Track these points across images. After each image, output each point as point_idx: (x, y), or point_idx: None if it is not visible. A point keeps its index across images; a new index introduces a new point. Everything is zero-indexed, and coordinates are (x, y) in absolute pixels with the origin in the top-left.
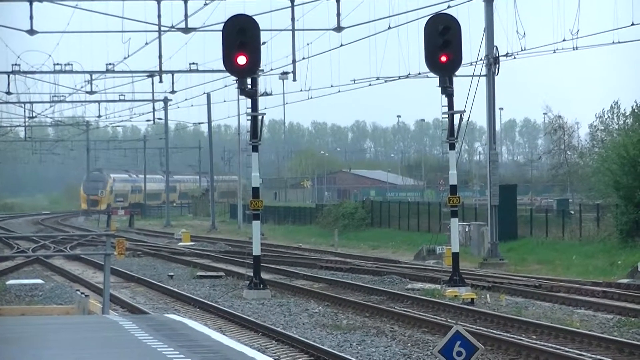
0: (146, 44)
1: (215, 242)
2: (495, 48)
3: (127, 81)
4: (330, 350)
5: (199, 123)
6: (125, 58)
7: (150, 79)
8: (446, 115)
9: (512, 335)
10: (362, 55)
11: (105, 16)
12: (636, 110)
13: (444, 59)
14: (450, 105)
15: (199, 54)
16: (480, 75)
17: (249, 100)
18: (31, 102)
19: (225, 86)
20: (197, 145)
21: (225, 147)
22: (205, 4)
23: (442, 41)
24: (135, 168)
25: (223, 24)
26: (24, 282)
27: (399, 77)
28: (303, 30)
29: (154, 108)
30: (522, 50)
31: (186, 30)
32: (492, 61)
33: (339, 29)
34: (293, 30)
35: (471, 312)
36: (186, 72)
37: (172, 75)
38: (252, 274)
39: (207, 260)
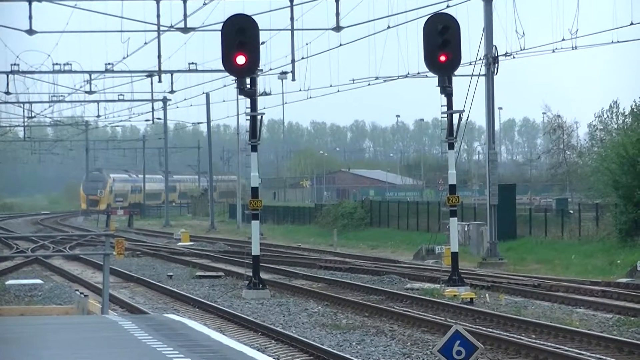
0: (145, 43)
1: (215, 242)
2: (494, 47)
3: (126, 81)
4: (329, 349)
5: (198, 123)
6: (124, 58)
7: (149, 78)
8: (445, 115)
9: (511, 335)
10: (361, 54)
11: (104, 16)
12: (635, 110)
13: (443, 58)
14: (450, 104)
15: (198, 53)
16: (479, 75)
17: (248, 100)
18: (30, 102)
19: (225, 86)
20: (196, 145)
21: (224, 147)
22: (204, 4)
23: (442, 41)
24: (135, 168)
25: (222, 24)
26: (23, 282)
27: (398, 77)
28: (302, 29)
29: (153, 108)
30: (521, 49)
31: (185, 30)
32: (491, 61)
33: (338, 28)
34: (292, 29)
35: (470, 312)
36: (185, 71)
37: (171, 75)
38: (251, 274)
39: (207, 260)
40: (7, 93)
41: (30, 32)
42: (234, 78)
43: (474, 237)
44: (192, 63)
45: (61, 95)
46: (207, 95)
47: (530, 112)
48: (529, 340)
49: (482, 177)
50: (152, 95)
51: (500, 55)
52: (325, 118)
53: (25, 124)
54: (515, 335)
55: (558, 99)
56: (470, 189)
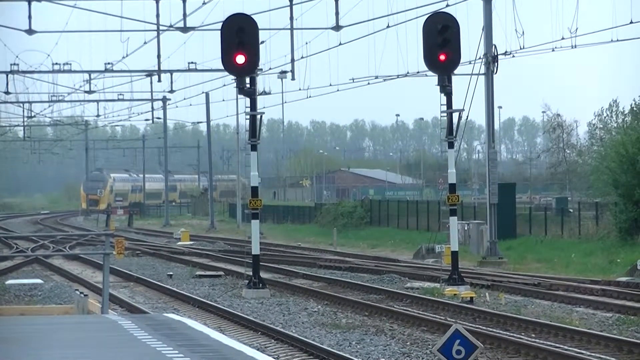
0: (145, 43)
1: (214, 241)
2: (494, 46)
3: (126, 80)
4: (329, 349)
5: (198, 122)
6: (123, 57)
7: (148, 78)
8: (445, 114)
9: (511, 334)
10: (360, 54)
11: (104, 16)
12: (635, 109)
13: (442, 57)
14: (449, 103)
15: (197, 53)
16: (479, 74)
17: (248, 100)
18: (30, 102)
19: (224, 85)
20: (196, 145)
21: (224, 146)
22: (204, 3)
23: (441, 40)
24: (135, 167)
25: (222, 23)
26: (23, 282)
27: (398, 76)
28: (302, 29)
29: (152, 107)
30: (520, 48)
31: (185, 29)
32: (491, 60)
33: (337, 27)
34: (292, 29)
35: (470, 311)
36: (185, 71)
37: (171, 75)
38: (251, 273)
39: (206, 260)
40: (7, 93)
41: (30, 31)
42: (233, 77)
43: (474, 236)
44: (192, 62)
45: (61, 95)
46: (207, 94)
47: (530, 111)
48: (529, 339)
49: (482, 176)
50: (151, 94)
51: (500, 54)
52: (324, 117)
53: (25, 123)
54: (515, 335)
55: (558, 97)
56: (470, 188)
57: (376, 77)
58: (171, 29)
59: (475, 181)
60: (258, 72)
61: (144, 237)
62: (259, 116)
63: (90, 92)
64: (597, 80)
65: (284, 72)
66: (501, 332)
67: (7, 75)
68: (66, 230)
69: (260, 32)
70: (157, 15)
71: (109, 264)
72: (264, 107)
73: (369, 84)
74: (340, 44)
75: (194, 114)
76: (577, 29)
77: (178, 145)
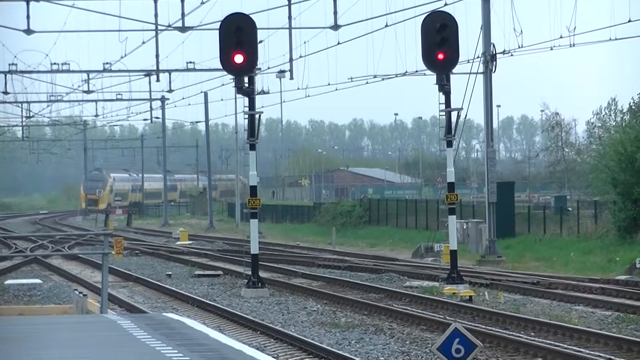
0: (143, 43)
1: (213, 240)
2: (492, 45)
3: (124, 80)
4: (328, 348)
5: (197, 122)
6: (122, 57)
7: (147, 78)
8: (443, 113)
9: (510, 333)
10: (359, 53)
11: (102, 15)
12: (633, 107)
13: (441, 56)
14: (448, 102)
15: (196, 52)
16: (477, 73)
17: (246, 99)
18: (28, 102)
19: (223, 85)
20: (195, 144)
21: (222, 145)
22: (202, 3)
23: (439, 39)
24: (134, 167)
25: (220, 23)
26: (22, 282)
27: (396, 75)
28: (300, 28)
29: (151, 107)
30: (519, 47)
31: (183, 29)
32: (489, 58)
33: (335, 27)
34: (290, 28)
35: (469, 310)
36: (183, 71)
37: (169, 74)
38: (250, 273)
39: (205, 259)
40: (6, 93)
41: (28, 31)
42: (232, 77)
43: (473, 235)
44: (190, 62)
45: (59, 95)
46: (205, 94)
47: (529, 109)
48: (528, 337)
49: (481, 175)
50: (150, 94)
51: (498, 53)
52: (323, 116)
53: (24, 123)
54: (514, 333)
55: (556, 96)
56: (469, 186)
57: (375, 76)
58: (169, 28)
59: (474, 180)
60: (256, 72)
61: (143, 236)
62: (257, 115)
63: (88, 92)
64: (596, 79)
65: (283, 71)
66: (500, 330)
67: (5, 75)
68: (65, 230)
69: (258, 31)
70: (156, 15)
71: (108, 264)
72: (262, 107)
73: (367, 83)
74: (338, 43)
75: (192, 113)
76: (575, 27)
77: (177, 145)
